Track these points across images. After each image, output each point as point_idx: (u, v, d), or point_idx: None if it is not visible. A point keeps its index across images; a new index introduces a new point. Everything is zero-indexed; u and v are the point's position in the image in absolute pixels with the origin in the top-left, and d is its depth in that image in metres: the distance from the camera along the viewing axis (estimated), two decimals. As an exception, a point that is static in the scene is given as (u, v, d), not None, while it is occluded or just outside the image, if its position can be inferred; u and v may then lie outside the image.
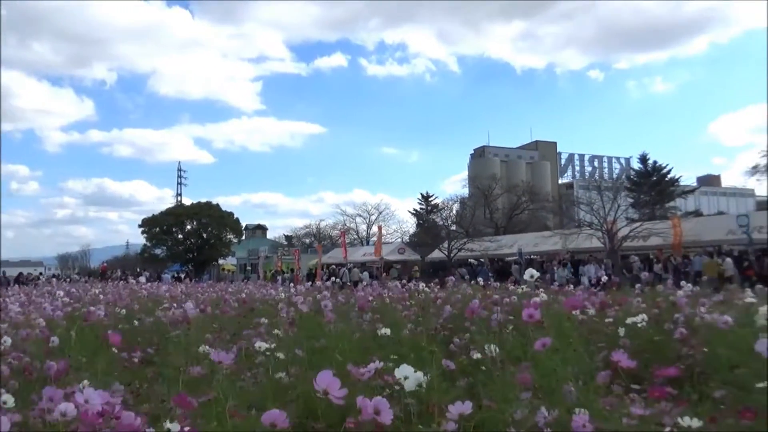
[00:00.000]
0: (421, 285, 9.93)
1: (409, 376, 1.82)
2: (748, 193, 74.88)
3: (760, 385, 2.21)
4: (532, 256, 28.08)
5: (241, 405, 2.16)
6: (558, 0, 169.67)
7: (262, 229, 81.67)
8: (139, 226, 56.63)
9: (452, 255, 31.12)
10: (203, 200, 58.56)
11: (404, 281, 14.94)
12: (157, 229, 55.61)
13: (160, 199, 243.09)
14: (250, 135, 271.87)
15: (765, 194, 56.91)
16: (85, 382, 2.05)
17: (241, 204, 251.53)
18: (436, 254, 33.16)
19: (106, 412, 1.50)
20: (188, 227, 56.58)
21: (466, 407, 1.73)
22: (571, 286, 11.53)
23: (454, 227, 38.08)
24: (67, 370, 2.63)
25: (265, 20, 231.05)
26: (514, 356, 3.20)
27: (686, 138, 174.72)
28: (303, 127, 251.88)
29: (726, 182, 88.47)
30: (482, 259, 29.59)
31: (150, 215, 57.65)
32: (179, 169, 78.88)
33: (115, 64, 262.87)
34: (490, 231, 42.11)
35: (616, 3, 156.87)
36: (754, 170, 41.33)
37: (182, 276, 35.25)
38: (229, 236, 57.64)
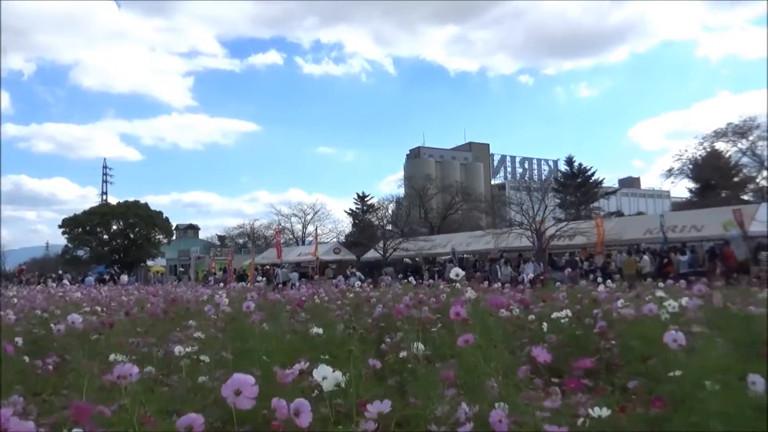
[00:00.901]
0: (357, 283, 9.95)
1: (327, 376, 1.80)
2: (664, 195, 79.38)
3: (670, 374, 2.34)
4: (465, 255, 28.70)
5: (158, 411, 2.08)
6: (490, 1, 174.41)
7: (194, 229, 79.46)
8: (60, 226, 54.03)
9: (387, 255, 31.35)
10: (130, 199, 56.48)
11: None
12: (80, 229, 53.18)
13: (83, 197, 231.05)
14: (181, 132, 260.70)
15: (679, 195, 60.75)
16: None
17: (172, 203, 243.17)
18: (372, 254, 33.30)
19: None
20: (114, 227, 54.40)
21: (384, 406, 1.73)
22: (498, 284, 11.85)
23: (389, 227, 38.41)
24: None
25: (196, 14, 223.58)
26: (441, 354, 3.24)
27: (609, 142, 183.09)
28: (236, 125, 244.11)
29: (645, 184, 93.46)
30: (417, 259, 30.02)
31: (72, 215, 55.07)
32: (104, 167, 75.99)
33: (34, 54, 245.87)
34: (424, 231, 42.68)
35: (544, 12, 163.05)
36: (669, 173, 44.26)
37: (106, 278, 33.69)
38: (158, 236, 55.83)
